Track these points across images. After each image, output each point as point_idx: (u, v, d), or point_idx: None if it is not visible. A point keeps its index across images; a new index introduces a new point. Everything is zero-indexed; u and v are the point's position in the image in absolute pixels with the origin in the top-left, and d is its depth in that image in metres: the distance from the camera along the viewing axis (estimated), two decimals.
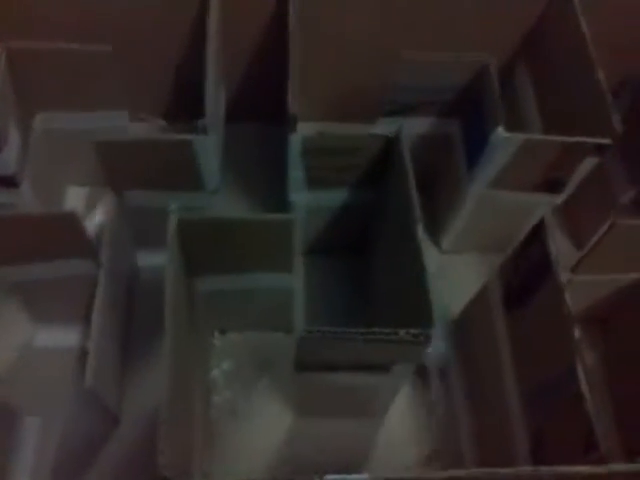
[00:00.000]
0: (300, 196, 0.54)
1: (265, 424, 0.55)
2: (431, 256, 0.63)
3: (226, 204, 0.60)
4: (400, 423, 0.56)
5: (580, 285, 0.54)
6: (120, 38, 0.52)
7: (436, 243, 0.66)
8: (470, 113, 0.56)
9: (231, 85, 0.63)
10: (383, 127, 0.59)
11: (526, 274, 0.46)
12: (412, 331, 0.39)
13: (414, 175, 0.63)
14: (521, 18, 0.57)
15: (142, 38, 0.55)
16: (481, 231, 0.61)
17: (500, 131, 0.48)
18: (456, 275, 0.64)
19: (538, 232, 0.44)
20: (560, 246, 0.49)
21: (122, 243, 0.53)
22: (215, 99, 0.50)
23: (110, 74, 0.52)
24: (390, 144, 0.48)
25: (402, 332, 0.39)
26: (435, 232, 0.65)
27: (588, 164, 0.52)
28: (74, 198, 0.64)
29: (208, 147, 0.48)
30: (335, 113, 0.65)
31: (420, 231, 0.43)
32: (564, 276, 0.53)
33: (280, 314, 0.56)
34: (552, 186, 0.54)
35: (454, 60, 0.53)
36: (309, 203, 0.55)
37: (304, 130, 0.67)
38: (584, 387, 0.38)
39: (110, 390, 0.50)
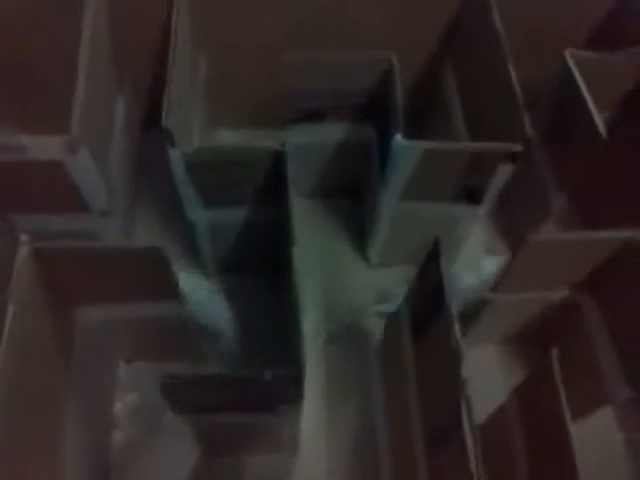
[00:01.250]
0: (198, 214, 0.50)
1: (170, 462, 0.51)
2: (360, 270, 0.60)
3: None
4: (315, 453, 0.52)
5: (505, 305, 0.49)
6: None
7: (364, 257, 0.61)
8: (382, 119, 0.51)
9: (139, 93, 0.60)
10: (293, 134, 0.55)
11: (425, 299, 0.42)
12: (279, 373, 0.35)
13: (339, 181, 0.62)
14: (431, 17, 0.54)
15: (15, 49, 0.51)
16: (407, 244, 0.57)
17: (398, 139, 0.44)
18: (386, 289, 0.60)
19: (433, 254, 0.40)
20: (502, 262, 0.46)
21: None
22: (92, 109, 0.46)
23: None
24: (279, 156, 0.44)
25: (268, 374, 0.35)
26: (362, 245, 0.61)
27: (503, 172, 0.47)
28: None
29: (81, 165, 0.44)
30: (249, 121, 0.61)
31: (295, 255, 0.39)
32: (487, 295, 0.50)
33: (185, 341, 0.52)
34: (470, 196, 0.50)
35: (345, 61, 0.48)
36: (210, 221, 0.51)
37: (224, 138, 0.64)
38: (468, 435, 0.34)
39: None
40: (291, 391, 0.37)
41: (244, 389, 0.37)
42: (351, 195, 0.63)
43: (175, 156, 0.44)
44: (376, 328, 0.56)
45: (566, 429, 0.36)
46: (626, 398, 0.46)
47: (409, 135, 0.63)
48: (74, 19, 0.47)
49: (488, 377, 0.56)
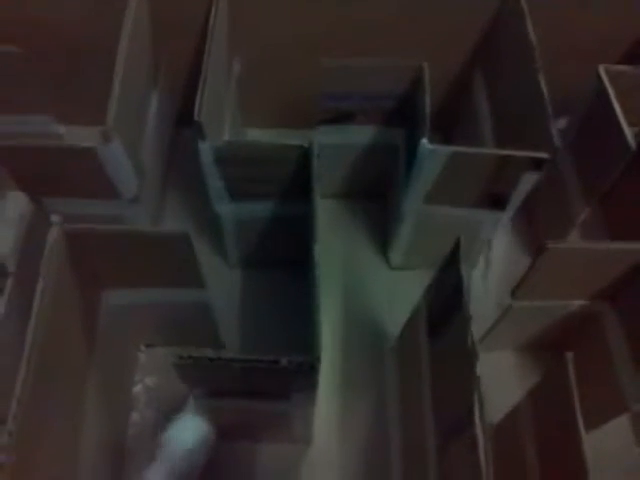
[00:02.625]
0: (224, 207, 0.51)
1: (185, 448, 0.52)
2: (380, 272, 0.61)
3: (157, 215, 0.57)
4: (327, 448, 0.52)
5: (522, 311, 0.50)
6: (35, 41, 0.50)
7: (386, 259, 0.62)
8: (410, 123, 0.52)
9: (176, 89, 0.61)
10: (322, 134, 0.56)
11: (444, 300, 0.42)
12: (295, 359, 0.36)
13: (365, 183, 0.62)
14: (464, 27, 0.55)
15: (58, 42, 0.53)
16: (429, 247, 0.57)
17: (424, 143, 0.45)
18: (405, 292, 0.60)
19: (454, 255, 0.40)
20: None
21: None
22: (127, 102, 0.47)
23: (26, 77, 0.50)
24: (306, 154, 0.45)
25: (284, 360, 0.36)
26: (384, 247, 0.62)
27: (529, 179, 0.47)
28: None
29: (113, 154, 0.46)
30: (279, 120, 0.63)
31: (316, 254, 0.39)
32: (506, 301, 0.50)
33: (205, 329, 0.53)
34: (494, 202, 0.50)
35: (378, 66, 0.49)
36: (236, 215, 0.52)
37: (254, 136, 0.65)
38: (479, 431, 0.34)
39: None
40: (306, 379, 0.38)
41: (259, 374, 0.37)
42: (376, 198, 0.64)
43: (205, 149, 0.45)
44: (394, 328, 0.56)
45: (578, 433, 0.37)
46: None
47: (436, 140, 0.64)
48: (116, 14, 0.49)
49: (504, 383, 0.56)
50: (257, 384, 0.40)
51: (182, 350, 0.54)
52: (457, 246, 0.40)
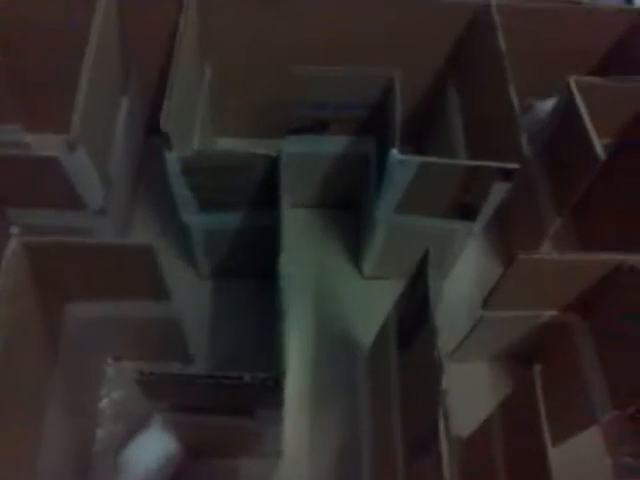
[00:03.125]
0: (193, 218, 0.50)
1: (151, 464, 0.51)
2: (353, 282, 0.60)
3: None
4: (298, 460, 0.52)
5: (494, 322, 0.49)
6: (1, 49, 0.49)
7: (358, 268, 0.61)
8: (382, 133, 0.52)
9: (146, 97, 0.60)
10: (295, 144, 0.55)
11: (413, 311, 0.42)
12: (259, 376, 0.35)
13: (338, 193, 0.62)
14: (436, 37, 0.55)
15: (26, 49, 0.52)
16: (401, 257, 0.57)
17: (394, 153, 0.44)
18: (378, 302, 0.60)
19: (422, 266, 0.40)
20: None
21: None
22: (93, 111, 0.46)
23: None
24: (275, 164, 0.44)
25: (247, 377, 0.35)
26: (357, 257, 0.61)
27: (499, 190, 0.47)
28: None
29: (78, 164, 0.45)
30: (251, 129, 0.62)
31: (282, 266, 0.39)
32: (477, 311, 0.50)
33: (173, 341, 0.52)
34: (464, 212, 0.50)
35: (350, 75, 0.49)
36: (205, 225, 0.52)
37: (226, 145, 0.65)
38: (443, 447, 0.34)
39: None
40: (270, 396, 0.37)
41: (223, 391, 0.37)
42: (349, 207, 0.64)
43: (171, 159, 0.44)
44: (366, 338, 0.56)
45: (544, 446, 0.36)
46: (611, 419, 0.46)
47: (409, 150, 0.64)
48: (83, 22, 0.48)
49: (477, 394, 0.56)
50: (222, 400, 0.39)
51: (146, 365, 0.53)
52: (425, 258, 0.40)
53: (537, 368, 0.39)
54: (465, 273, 0.62)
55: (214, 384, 0.36)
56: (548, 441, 0.36)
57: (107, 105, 0.52)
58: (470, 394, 0.55)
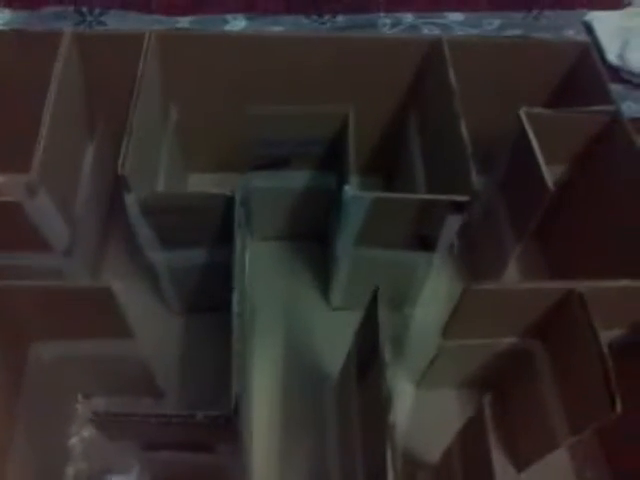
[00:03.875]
0: (156, 255, 0.51)
1: None
2: (321, 313, 0.61)
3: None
4: None
5: (454, 350, 0.50)
6: None
7: (327, 299, 0.62)
8: (341, 167, 0.53)
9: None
10: (259, 179, 0.57)
11: (368, 345, 0.43)
12: (211, 414, 0.36)
13: (304, 226, 0.63)
14: (389, 74, 0.57)
15: None
16: (366, 288, 0.58)
17: (347, 189, 0.46)
18: (345, 333, 0.60)
19: (372, 302, 0.41)
20: None
21: None
22: (55, 154, 0.47)
23: None
24: (230, 202, 0.45)
25: (199, 415, 0.36)
26: (325, 288, 0.62)
27: (453, 221, 0.48)
28: None
29: (40, 208, 0.46)
30: (219, 165, 0.64)
31: (234, 303, 0.40)
32: (437, 340, 0.51)
33: (142, 377, 0.53)
34: (423, 243, 0.51)
35: (305, 113, 0.50)
36: (169, 262, 0.53)
37: (195, 181, 0.66)
38: (390, 479, 0.34)
39: None
40: (227, 431, 0.38)
41: (180, 428, 0.37)
42: (317, 238, 0.65)
43: (130, 201, 0.45)
44: (334, 368, 0.56)
45: (492, 473, 0.37)
46: (569, 444, 0.46)
47: (376, 180, 0.66)
48: (45, 67, 0.49)
49: (444, 421, 0.56)
50: (182, 437, 0.40)
51: (122, 401, 0.54)
52: (375, 293, 0.41)
53: (487, 397, 0.40)
54: (435, 300, 0.63)
55: (168, 422, 0.36)
56: (494, 470, 0.37)
57: (71, 148, 0.53)
58: (437, 421, 0.56)
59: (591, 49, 0.56)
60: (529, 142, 0.50)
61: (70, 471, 0.52)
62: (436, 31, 0.84)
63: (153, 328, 0.58)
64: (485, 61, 0.57)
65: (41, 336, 0.46)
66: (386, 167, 0.68)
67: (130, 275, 0.62)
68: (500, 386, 0.56)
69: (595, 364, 0.42)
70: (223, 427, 0.37)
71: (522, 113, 0.52)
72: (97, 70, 0.55)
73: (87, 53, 0.54)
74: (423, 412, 0.58)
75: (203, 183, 0.68)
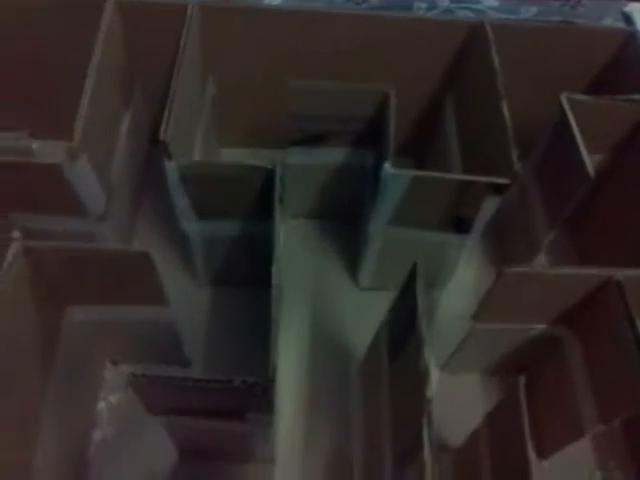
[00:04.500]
0: (191, 226, 0.52)
1: (147, 464, 0.52)
2: (349, 292, 0.61)
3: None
4: (291, 466, 0.52)
5: (484, 334, 0.50)
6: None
7: (355, 279, 0.62)
8: (378, 146, 0.53)
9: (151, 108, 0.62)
10: (294, 155, 0.56)
11: (403, 323, 0.43)
12: (248, 380, 0.36)
13: (336, 204, 0.63)
14: (431, 54, 0.56)
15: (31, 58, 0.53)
16: (396, 269, 0.57)
17: (386, 167, 0.45)
18: (373, 313, 0.61)
19: (410, 278, 0.41)
20: None
21: None
22: (96, 119, 0.48)
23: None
24: (270, 176, 0.45)
25: (237, 381, 0.36)
26: (354, 268, 0.62)
27: (491, 204, 0.48)
28: None
29: (79, 172, 0.46)
30: (253, 141, 0.63)
31: (274, 276, 0.40)
32: (468, 324, 0.51)
33: (171, 346, 0.53)
34: (458, 225, 0.51)
35: (346, 90, 0.50)
36: (203, 233, 0.53)
37: (228, 156, 0.66)
38: (427, 455, 0.34)
39: None
40: (261, 400, 0.38)
41: (214, 394, 0.38)
42: (347, 218, 0.65)
43: (170, 168, 0.45)
44: (361, 348, 0.56)
45: (527, 458, 0.37)
46: (600, 431, 0.46)
47: (409, 161, 0.65)
48: (89, 30, 0.49)
49: (468, 406, 0.56)
50: (213, 403, 0.40)
51: (143, 368, 0.54)
52: (413, 270, 0.41)
53: (521, 380, 0.40)
54: (463, 285, 0.63)
55: (204, 387, 0.36)
56: (532, 454, 0.37)
57: (110, 115, 0.53)
58: (461, 406, 0.55)
59: (636, 37, 0.56)
60: (570, 128, 0.50)
61: (97, 435, 0.52)
62: (471, 16, 0.83)
63: (179, 299, 0.58)
64: (526, 45, 0.56)
65: (76, 300, 0.46)
66: (418, 149, 0.67)
67: (158, 245, 0.62)
68: (524, 372, 0.56)
69: (631, 353, 0.41)
70: (259, 394, 0.37)
71: (563, 99, 0.51)
72: (137, 39, 0.55)
73: (129, 22, 0.54)
74: (446, 396, 0.57)
75: (235, 157, 0.67)
